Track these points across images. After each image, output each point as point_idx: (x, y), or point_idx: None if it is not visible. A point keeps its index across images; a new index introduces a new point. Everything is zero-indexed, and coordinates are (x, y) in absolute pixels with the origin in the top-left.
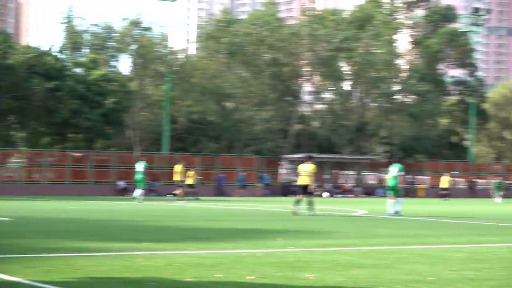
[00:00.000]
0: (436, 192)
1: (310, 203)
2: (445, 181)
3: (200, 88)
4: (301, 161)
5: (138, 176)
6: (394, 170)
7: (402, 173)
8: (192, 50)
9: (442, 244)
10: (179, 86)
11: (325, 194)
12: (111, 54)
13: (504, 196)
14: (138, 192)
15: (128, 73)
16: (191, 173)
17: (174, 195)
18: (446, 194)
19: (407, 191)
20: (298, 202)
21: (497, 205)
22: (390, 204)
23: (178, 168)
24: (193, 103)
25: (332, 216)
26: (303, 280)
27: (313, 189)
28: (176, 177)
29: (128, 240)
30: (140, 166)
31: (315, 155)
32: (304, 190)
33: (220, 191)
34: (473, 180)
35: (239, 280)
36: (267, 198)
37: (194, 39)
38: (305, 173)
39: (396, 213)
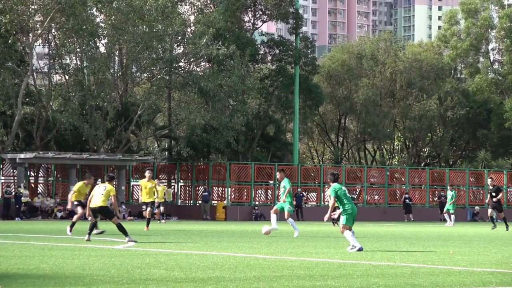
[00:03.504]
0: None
1: (96, 227)
2: None
3: None
4: None
5: None
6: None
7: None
8: None
9: None
10: None
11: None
12: None
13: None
14: None
15: None
16: None
17: None
18: None
19: (195, 210)
20: (120, 228)
21: None
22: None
23: None
24: None
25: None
26: None
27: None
28: None
29: None
30: None
31: (51, 153)
32: (102, 212)
33: None
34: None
35: None
36: None
37: None
38: (100, 194)
39: None
